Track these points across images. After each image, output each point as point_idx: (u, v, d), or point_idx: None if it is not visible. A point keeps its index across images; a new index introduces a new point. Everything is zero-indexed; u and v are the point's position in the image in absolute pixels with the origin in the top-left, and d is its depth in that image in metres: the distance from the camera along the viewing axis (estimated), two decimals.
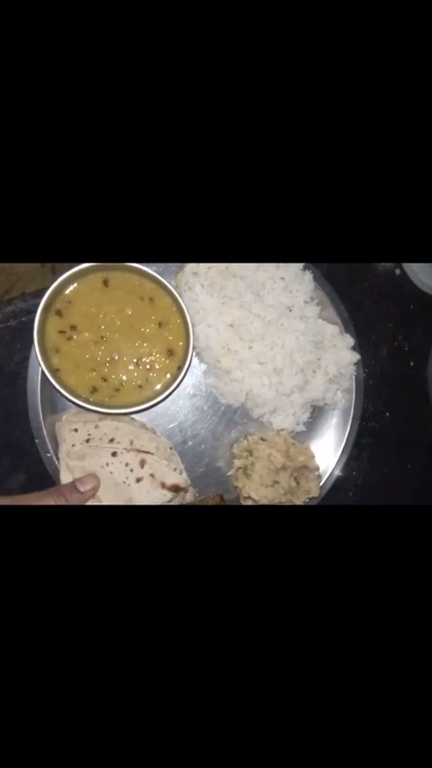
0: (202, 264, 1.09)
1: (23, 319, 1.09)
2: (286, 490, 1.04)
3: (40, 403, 1.04)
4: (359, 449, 1.18)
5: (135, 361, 1.02)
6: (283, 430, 1.09)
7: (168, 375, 1.03)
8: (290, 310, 1.07)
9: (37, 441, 1.05)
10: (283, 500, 1.04)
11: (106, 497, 0.99)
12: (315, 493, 1.08)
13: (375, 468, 1.21)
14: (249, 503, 1.05)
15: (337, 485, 1.15)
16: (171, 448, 1.07)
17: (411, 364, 1.24)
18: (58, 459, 1.04)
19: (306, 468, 1.06)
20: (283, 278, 1.07)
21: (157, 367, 1.03)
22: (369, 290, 1.22)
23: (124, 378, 1.02)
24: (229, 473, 1.09)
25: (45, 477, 1.07)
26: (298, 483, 1.06)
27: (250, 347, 1.05)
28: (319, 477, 1.09)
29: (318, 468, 1.09)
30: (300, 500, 1.07)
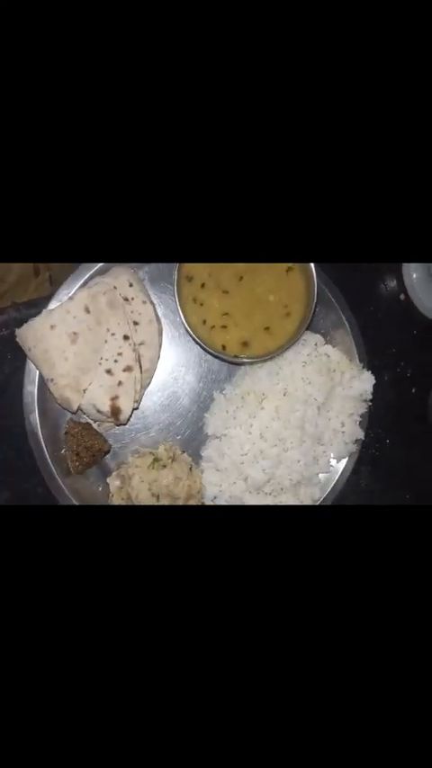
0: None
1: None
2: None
3: (38, 418, 1.03)
4: (357, 476, 1.15)
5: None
6: None
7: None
8: None
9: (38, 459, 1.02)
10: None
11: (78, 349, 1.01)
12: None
13: (373, 497, 1.18)
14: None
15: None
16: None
17: (413, 391, 1.21)
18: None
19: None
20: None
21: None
22: (373, 315, 1.19)
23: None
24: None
25: (30, 495, 1.05)
26: None
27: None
28: None
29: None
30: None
